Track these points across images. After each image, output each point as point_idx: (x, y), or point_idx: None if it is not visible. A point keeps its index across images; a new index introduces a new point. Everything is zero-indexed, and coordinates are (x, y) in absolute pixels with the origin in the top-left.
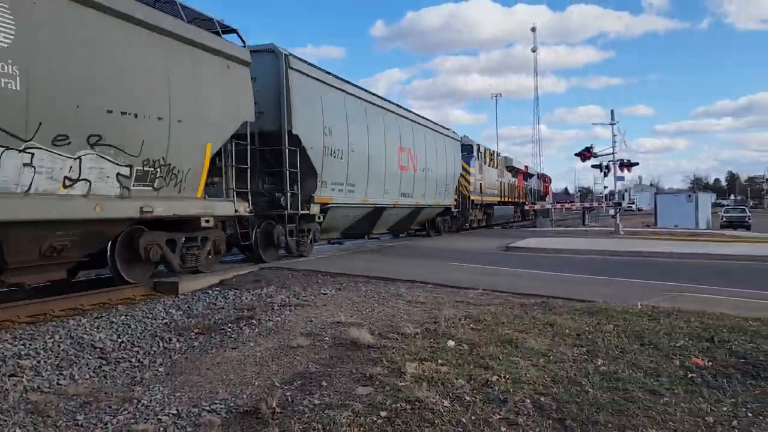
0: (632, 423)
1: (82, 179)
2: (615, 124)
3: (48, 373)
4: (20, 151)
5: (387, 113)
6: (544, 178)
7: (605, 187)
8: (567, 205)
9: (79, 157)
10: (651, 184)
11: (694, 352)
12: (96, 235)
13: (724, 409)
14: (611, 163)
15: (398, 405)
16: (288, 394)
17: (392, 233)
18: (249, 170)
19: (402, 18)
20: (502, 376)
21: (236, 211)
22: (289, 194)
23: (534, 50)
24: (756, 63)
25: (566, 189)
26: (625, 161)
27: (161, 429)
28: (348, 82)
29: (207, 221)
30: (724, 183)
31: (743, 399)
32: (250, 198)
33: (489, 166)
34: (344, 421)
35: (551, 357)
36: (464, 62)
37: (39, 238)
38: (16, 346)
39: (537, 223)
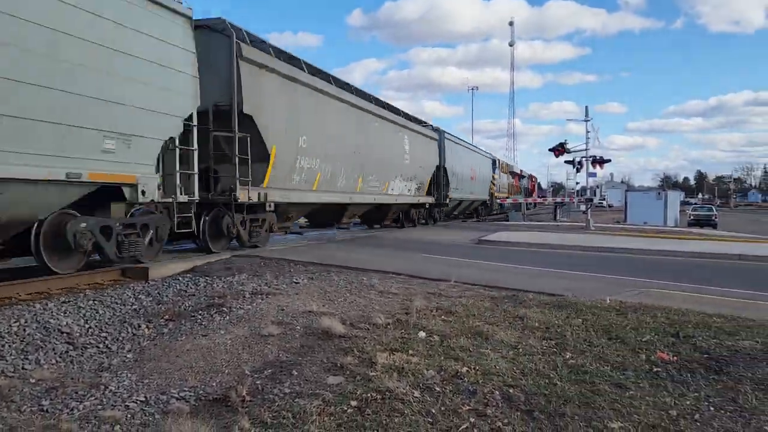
0: (598, 415)
1: (410, 189)
2: (589, 120)
3: (13, 357)
4: (404, 181)
5: (468, 150)
6: (531, 178)
7: (577, 183)
8: (539, 200)
9: (412, 183)
10: (622, 182)
11: (660, 347)
12: (404, 208)
13: (688, 403)
14: (584, 159)
15: (368, 395)
16: (258, 382)
17: (461, 217)
18: (435, 183)
19: (380, 7)
20: (472, 367)
21: (433, 201)
22: (442, 193)
23: (511, 44)
24: (727, 64)
25: (539, 184)
26: (598, 158)
27: (129, 416)
28: (457, 137)
29: (427, 205)
30: (692, 182)
31: (706, 393)
32: (435, 195)
33: (502, 172)
34: (314, 410)
35: (520, 349)
36: (441, 54)
37: (394, 210)
38: None
39: (509, 216)
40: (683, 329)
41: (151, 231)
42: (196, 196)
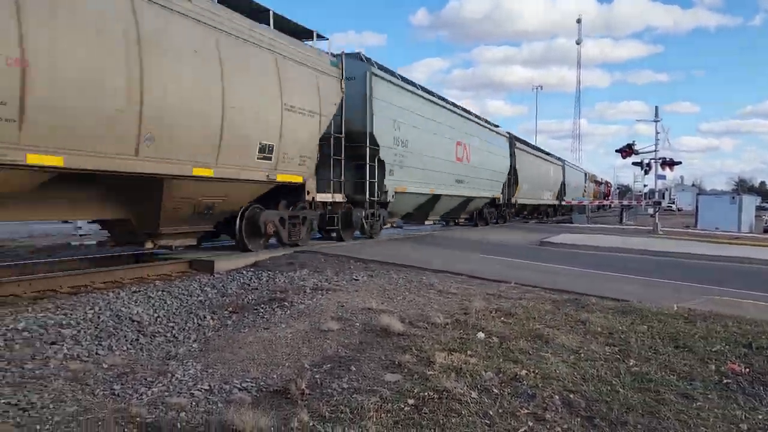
0: (663, 425)
1: (550, 196)
2: (659, 121)
3: (87, 342)
4: (548, 192)
5: (574, 169)
6: (607, 183)
7: (645, 186)
8: (605, 202)
9: (551, 192)
10: (693, 185)
11: (731, 357)
12: (545, 208)
13: (759, 417)
14: (653, 161)
15: (426, 394)
16: (317, 376)
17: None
18: (559, 192)
19: (444, 6)
20: (532, 371)
21: (557, 203)
22: (562, 197)
23: (578, 42)
24: None
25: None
26: (667, 160)
27: (194, 403)
28: (570, 162)
29: (555, 206)
30: None
31: None
32: (558, 199)
33: (590, 181)
34: (372, 406)
35: (582, 354)
36: (506, 53)
37: (542, 209)
38: (57, 315)
39: (573, 218)
40: (756, 340)
41: (495, 213)
42: (506, 199)
